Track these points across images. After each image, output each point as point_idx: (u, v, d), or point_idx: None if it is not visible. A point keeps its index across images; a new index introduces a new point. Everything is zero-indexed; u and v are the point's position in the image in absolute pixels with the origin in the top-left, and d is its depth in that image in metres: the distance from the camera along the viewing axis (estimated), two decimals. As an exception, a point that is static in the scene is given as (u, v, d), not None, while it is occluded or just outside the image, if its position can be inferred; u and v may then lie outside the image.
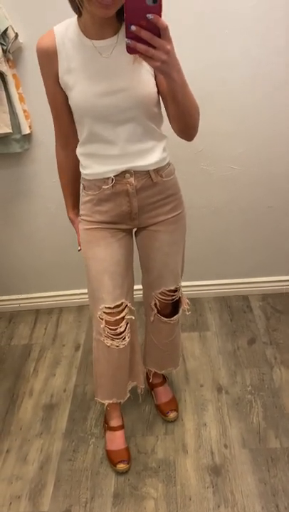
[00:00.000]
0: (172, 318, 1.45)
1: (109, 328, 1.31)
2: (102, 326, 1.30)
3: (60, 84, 1.13)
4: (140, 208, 1.26)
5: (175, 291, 1.41)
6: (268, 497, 1.38)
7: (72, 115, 1.19)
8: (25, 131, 1.77)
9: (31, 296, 2.36)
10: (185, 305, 1.46)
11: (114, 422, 1.59)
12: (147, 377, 1.74)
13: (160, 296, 1.39)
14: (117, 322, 1.31)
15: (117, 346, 1.33)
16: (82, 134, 1.19)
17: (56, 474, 1.52)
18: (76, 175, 1.33)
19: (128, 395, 1.51)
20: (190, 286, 2.23)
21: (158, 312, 1.44)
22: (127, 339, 1.34)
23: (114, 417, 1.59)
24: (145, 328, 1.58)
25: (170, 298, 1.41)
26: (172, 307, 1.47)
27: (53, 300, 2.37)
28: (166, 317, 1.45)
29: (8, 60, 1.66)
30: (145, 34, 0.82)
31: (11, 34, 1.60)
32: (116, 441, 1.56)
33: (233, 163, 1.90)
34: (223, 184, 1.95)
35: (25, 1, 1.56)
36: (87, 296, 2.29)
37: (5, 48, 1.61)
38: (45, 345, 2.13)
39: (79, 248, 1.36)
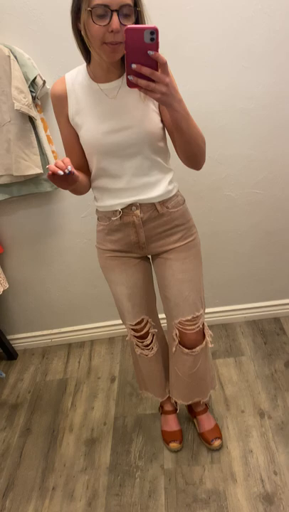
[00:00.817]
0: (194, 350, 1.42)
1: (138, 340, 1.49)
2: (130, 335, 1.49)
3: (71, 125, 1.22)
4: (147, 238, 1.31)
5: (193, 321, 1.38)
6: None
7: (83, 152, 1.27)
8: (55, 170, 1.84)
9: (63, 331, 2.39)
10: (208, 337, 1.44)
11: (168, 407, 1.75)
12: (188, 406, 1.73)
13: (180, 325, 1.39)
14: (143, 336, 1.48)
15: (146, 355, 1.51)
16: (92, 168, 1.27)
17: (105, 510, 1.50)
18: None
19: (167, 395, 1.66)
20: (221, 312, 2.24)
21: (179, 343, 1.42)
22: (155, 349, 1.51)
23: (167, 402, 1.74)
24: (169, 360, 1.56)
25: (189, 328, 1.38)
26: (195, 338, 1.41)
27: (84, 333, 2.39)
28: (188, 348, 1.42)
29: (36, 105, 1.75)
30: (146, 70, 0.89)
31: (40, 82, 1.69)
32: (169, 423, 1.73)
33: (255, 188, 1.94)
34: (248, 208, 1.99)
35: (50, 51, 1.65)
36: (117, 327, 2.33)
37: (34, 94, 1.70)
38: (80, 378, 2.14)
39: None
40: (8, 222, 2.04)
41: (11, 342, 2.39)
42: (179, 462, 1.62)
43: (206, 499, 1.47)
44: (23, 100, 1.64)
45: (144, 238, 1.31)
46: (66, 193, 1.95)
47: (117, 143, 1.16)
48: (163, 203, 1.27)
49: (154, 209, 1.27)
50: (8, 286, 2.13)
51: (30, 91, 1.69)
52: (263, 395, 1.83)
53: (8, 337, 2.38)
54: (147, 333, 1.48)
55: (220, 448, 1.62)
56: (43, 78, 1.70)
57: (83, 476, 1.63)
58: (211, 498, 1.47)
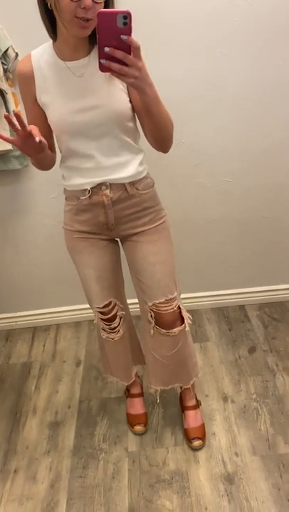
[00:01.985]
0: (172, 331, 1.41)
1: (105, 323, 1.47)
2: (98, 318, 1.47)
3: (38, 104, 1.20)
4: (116, 220, 1.30)
5: (167, 303, 1.38)
6: (283, 502, 1.39)
7: (48, 133, 1.25)
8: (25, 148, 1.79)
9: (28, 314, 2.34)
10: (186, 320, 1.44)
11: (134, 390, 1.75)
12: (180, 398, 1.72)
13: (154, 307, 1.39)
14: (111, 319, 1.47)
15: (112, 339, 1.50)
16: (61, 148, 1.26)
17: (68, 492, 1.49)
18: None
19: (133, 378, 1.68)
20: (187, 298, 2.26)
21: (156, 324, 1.42)
22: (121, 332, 1.50)
23: (134, 385, 1.74)
24: (144, 346, 1.55)
25: (164, 309, 1.38)
26: (171, 319, 1.41)
27: (49, 317, 2.35)
28: (165, 329, 1.41)
29: (7, 79, 1.68)
30: (119, 54, 0.89)
31: (12, 54, 1.63)
32: (135, 406, 1.73)
33: (227, 176, 1.95)
34: (219, 196, 2.00)
35: (25, 22, 1.59)
36: (84, 311, 2.31)
37: (5, 67, 1.64)
38: (45, 362, 2.11)
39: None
40: (-26, 199, 1.97)
41: (-26, 324, 2.32)
42: (143, 445, 1.63)
43: (168, 480, 1.49)
44: (-7, 72, 1.58)
45: (113, 219, 1.30)
46: (35, 172, 1.90)
47: (85, 122, 1.14)
48: (133, 183, 1.26)
49: (124, 189, 1.26)
50: (-28, 266, 2.07)
51: (2, 63, 1.63)
52: (226, 380, 1.87)
53: (-29, 319, 2.32)
54: (115, 315, 1.47)
55: (199, 449, 1.59)
56: (16, 50, 1.63)
57: (46, 458, 1.62)
58: (173, 478, 1.50)
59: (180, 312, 1.42)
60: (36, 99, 1.19)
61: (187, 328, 1.45)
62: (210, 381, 1.87)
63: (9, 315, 2.34)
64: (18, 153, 1.79)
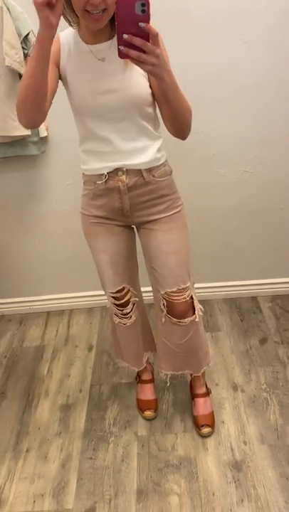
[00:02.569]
0: (183, 320, 1.42)
1: (117, 308, 1.49)
2: (111, 303, 1.49)
3: (56, 67, 1.17)
4: (132, 206, 1.31)
5: (179, 292, 1.38)
6: (290, 491, 1.40)
7: (51, 92, 1.14)
8: (43, 133, 1.80)
9: (42, 298, 2.37)
10: (198, 310, 1.44)
11: (145, 376, 1.77)
12: (190, 385, 1.74)
13: (166, 296, 1.40)
14: (124, 304, 1.48)
15: (124, 324, 1.51)
16: (80, 131, 1.26)
17: (78, 472, 1.53)
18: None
19: (144, 365, 1.69)
20: (200, 288, 2.26)
21: (168, 313, 1.43)
22: (134, 317, 1.51)
23: (145, 371, 1.76)
24: (156, 333, 1.57)
25: (176, 298, 1.38)
26: (183, 308, 1.42)
27: (63, 302, 2.38)
28: (177, 318, 1.42)
29: (27, 64, 1.69)
30: (137, 41, 0.89)
31: (32, 38, 1.63)
32: (145, 392, 1.75)
33: (246, 166, 1.94)
34: (236, 187, 1.99)
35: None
36: (97, 298, 2.33)
37: (26, 52, 1.64)
38: (57, 346, 2.14)
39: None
40: (-9, 184, 2.00)
41: (-12, 307, 2.37)
42: (152, 430, 1.66)
43: (177, 465, 1.52)
44: (14, 56, 1.59)
45: (129, 206, 1.30)
46: (52, 158, 1.92)
47: (104, 105, 1.15)
48: (150, 170, 1.26)
49: (140, 176, 1.26)
50: (-12, 250, 2.10)
51: (22, 48, 1.63)
52: (237, 370, 1.88)
53: (-14, 302, 2.36)
54: (128, 301, 1.48)
55: (208, 436, 1.61)
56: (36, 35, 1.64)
57: (57, 439, 1.66)
58: (182, 464, 1.52)
59: (192, 302, 1.43)
60: (58, 64, 1.16)
61: (198, 320, 1.45)
62: (220, 370, 1.88)
63: (24, 299, 2.37)
64: (35, 138, 1.80)
